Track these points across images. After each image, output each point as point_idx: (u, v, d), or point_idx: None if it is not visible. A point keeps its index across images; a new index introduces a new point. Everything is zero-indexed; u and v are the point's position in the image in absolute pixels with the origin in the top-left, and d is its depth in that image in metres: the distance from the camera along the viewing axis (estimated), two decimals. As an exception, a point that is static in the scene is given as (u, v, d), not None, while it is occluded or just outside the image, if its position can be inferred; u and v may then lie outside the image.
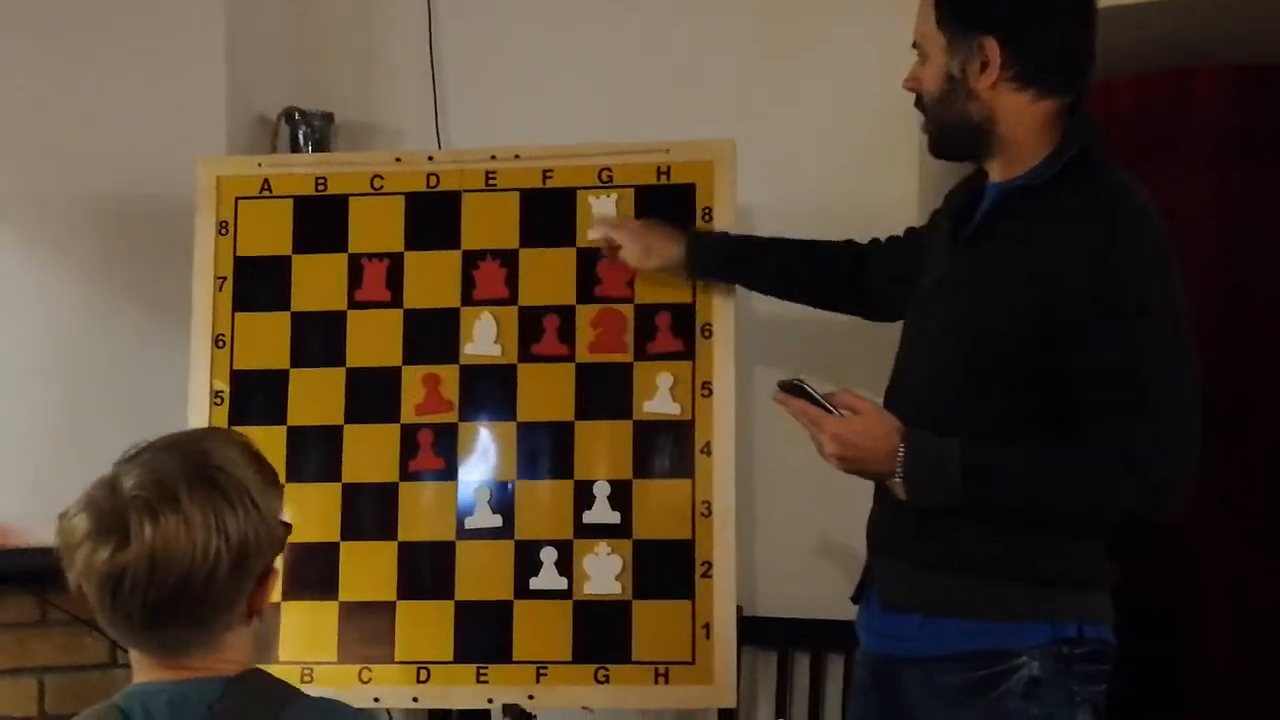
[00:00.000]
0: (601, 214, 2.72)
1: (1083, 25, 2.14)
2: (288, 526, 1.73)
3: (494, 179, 2.79)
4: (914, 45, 2.23)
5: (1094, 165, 2.10)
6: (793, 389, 2.16)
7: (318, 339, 2.78)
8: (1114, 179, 2.09)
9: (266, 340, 2.78)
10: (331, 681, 2.61)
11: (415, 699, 2.67)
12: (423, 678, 2.65)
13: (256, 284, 2.81)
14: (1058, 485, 2.05)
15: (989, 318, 2.08)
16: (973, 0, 2.15)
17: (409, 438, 2.73)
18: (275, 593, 2.68)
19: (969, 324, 2.11)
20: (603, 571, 2.65)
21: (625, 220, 2.70)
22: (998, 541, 2.08)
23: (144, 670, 1.66)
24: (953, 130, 2.18)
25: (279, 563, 1.73)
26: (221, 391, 2.77)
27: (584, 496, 2.68)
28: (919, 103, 2.23)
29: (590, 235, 2.72)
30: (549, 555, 2.66)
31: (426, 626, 2.66)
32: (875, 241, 2.62)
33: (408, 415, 2.74)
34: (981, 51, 2.11)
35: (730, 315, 2.69)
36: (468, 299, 2.76)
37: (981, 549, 2.08)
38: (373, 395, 2.75)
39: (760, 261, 2.65)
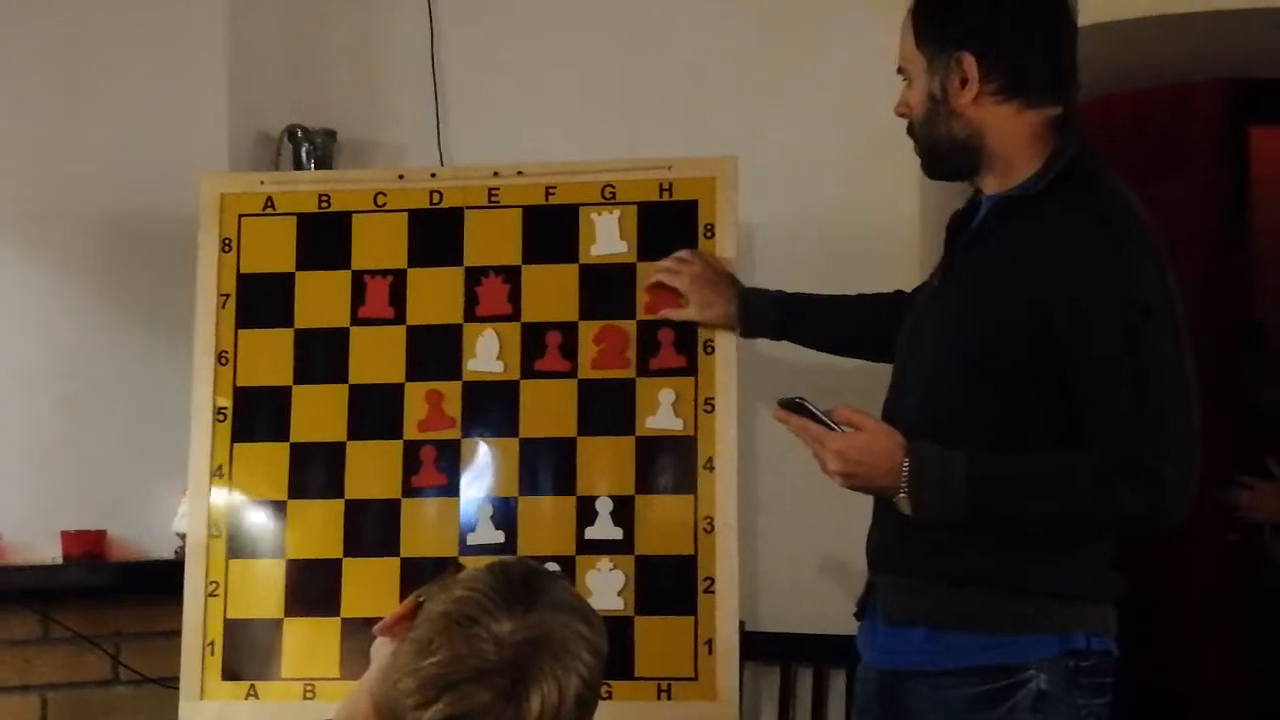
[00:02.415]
0: (662, 266, 2.68)
1: (1060, 34, 2.15)
2: None
3: (496, 195, 2.80)
4: (899, 71, 2.23)
5: (1087, 173, 2.09)
6: (793, 406, 2.15)
7: (320, 355, 2.78)
8: (1107, 185, 2.09)
9: (269, 357, 2.78)
10: (334, 698, 2.60)
11: (418, 715, 2.66)
12: (425, 694, 2.65)
13: (259, 301, 2.81)
14: (1065, 494, 2.04)
15: (987, 324, 2.08)
16: (946, 18, 2.16)
17: (411, 454, 2.73)
18: (277, 609, 2.70)
19: (967, 331, 2.11)
20: (605, 587, 2.64)
21: (685, 267, 2.66)
22: (1003, 553, 2.07)
23: None
24: (941, 150, 2.19)
25: None
26: (224, 408, 2.77)
27: (586, 512, 2.68)
28: (910, 128, 2.23)
29: (653, 279, 2.69)
30: (551, 571, 2.66)
31: (429, 643, 2.66)
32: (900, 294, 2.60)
33: (410, 431, 2.74)
34: (959, 68, 2.12)
35: (733, 331, 2.70)
36: (470, 315, 2.76)
37: (987, 561, 2.07)
38: (375, 411, 2.75)
39: (810, 322, 2.65)
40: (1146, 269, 2.03)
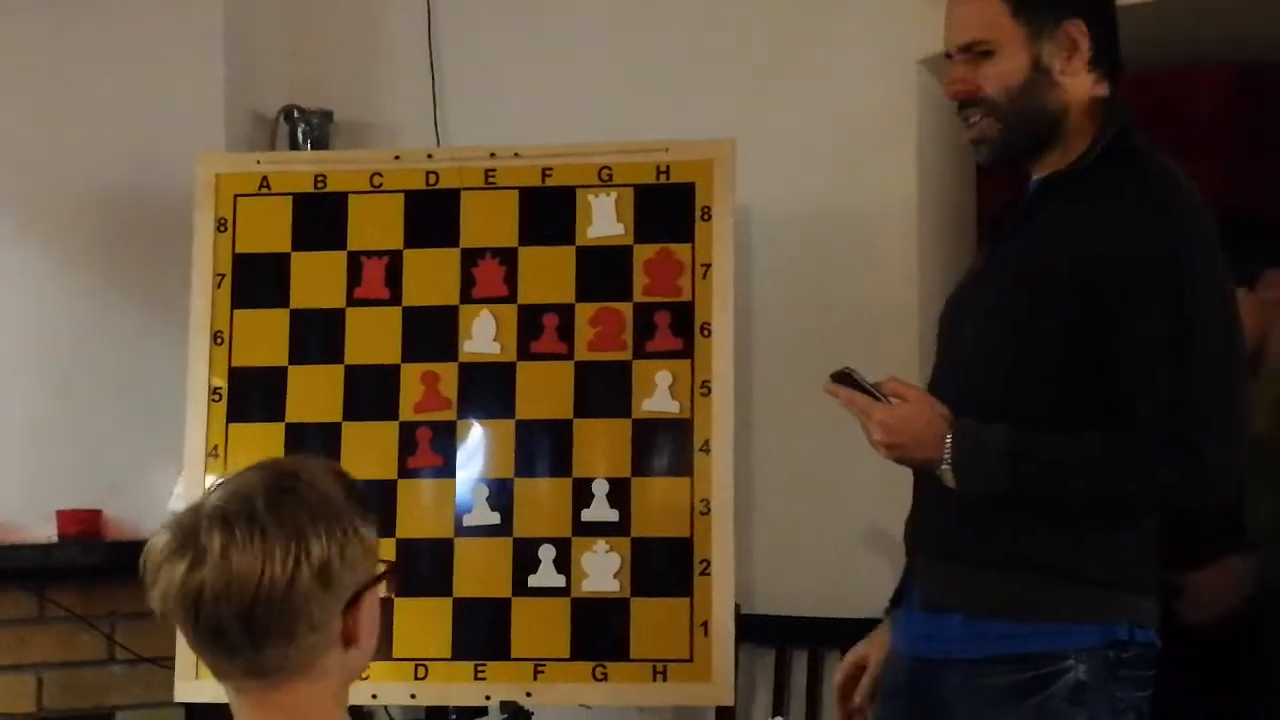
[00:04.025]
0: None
1: (1112, 7, 2.14)
2: (388, 564, 1.65)
3: (493, 177, 2.80)
4: (966, 48, 2.13)
5: (1134, 150, 2.06)
6: (842, 378, 2.13)
7: (317, 336, 2.78)
8: (1155, 163, 2.06)
9: (265, 337, 2.78)
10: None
11: (413, 696, 2.67)
12: (420, 675, 2.66)
13: (255, 281, 2.81)
14: (1109, 468, 1.99)
15: (1030, 308, 2.05)
16: None
17: (408, 435, 2.73)
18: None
19: (1012, 310, 2.08)
20: (601, 569, 2.65)
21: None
22: (1046, 539, 2.03)
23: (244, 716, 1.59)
24: (1034, 123, 2.11)
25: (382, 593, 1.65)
26: (220, 388, 2.77)
27: (582, 494, 2.68)
28: (966, 106, 2.14)
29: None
30: (547, 553, 2.66)
31: (424, 624, 2.66)
32: None
33: (406, 413, 2.74)
34: (1068, 36, 2.08)
35: (729, 314, 2.69)
36: (467, 297, 2.76)
37: (1029, 547, 2.04)
38: (372, 393, 2.75)
39: None
40: (1195, 247, 1.99)
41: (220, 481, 1.61)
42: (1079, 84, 2.09)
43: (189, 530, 1.53)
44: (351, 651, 1.59)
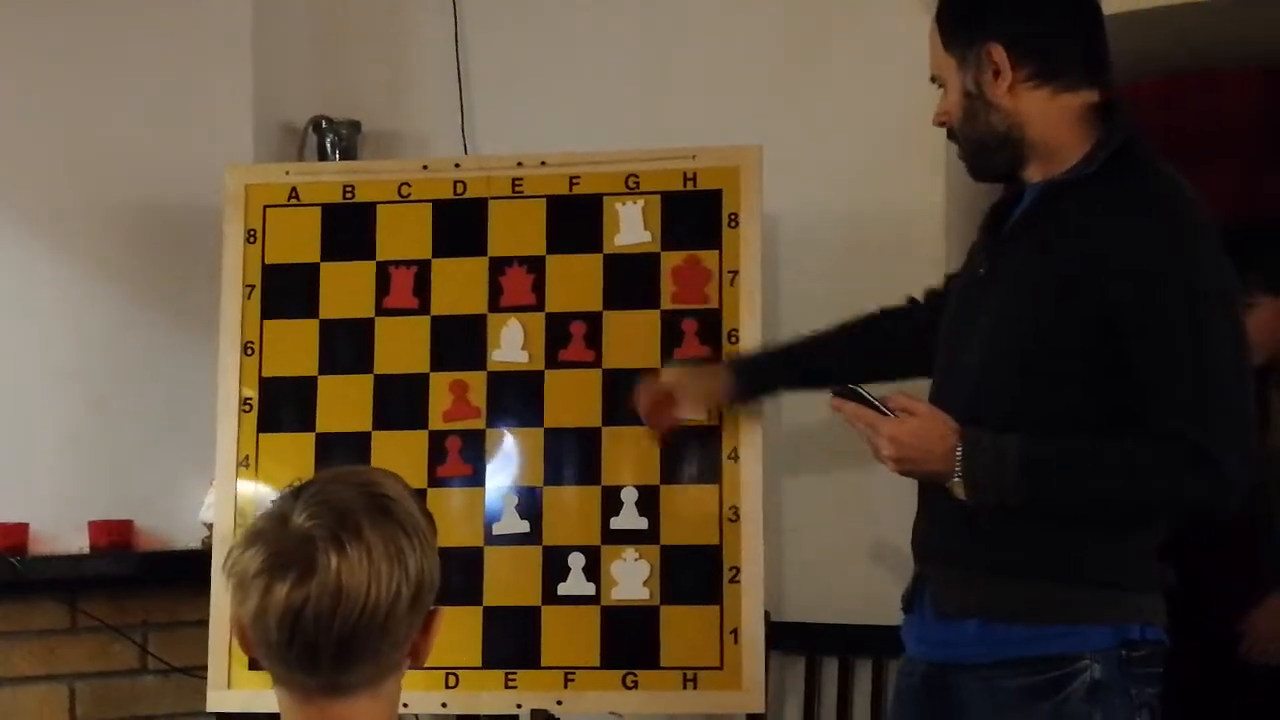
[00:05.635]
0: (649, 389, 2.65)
1: (1084, 16, 2.14)
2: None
3: (521, 186, 2.80)
4: (933, 80, 2.23)
5: (1138, 160, 2.07)
6: (848, 393, 2.14)
7: (346, 346, 2.79)
8: (1160, 173, 2.06)
9: (295, 347, 2.80)
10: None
11: (444, 704, 2.67)
12: (451, 683, 2.66)
13: (285, 291, 2.82)
14: (1122, 479, 2.00)
15: (1042, 311, 2.05)
16: (969, 14, 2.15)
17: (437, 444, 2.74)
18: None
19: (1021, 319, 2.08)
20: (630, 577, 2.65)
21: (670, 383, 2.63)
22: (1058, 542, 2.04)
23: None
24: (988, 145, 2.16)
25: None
26: (250, 399, 2.78)
27: (611, 502, 2.68)
28: (951, 134, 2.22)
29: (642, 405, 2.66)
30: (577, 561, 2.67)
31: (454, 632, 2.65)
32: (913, 300, 2.55)
33: (435, 422, 2.74)
34: (990, 60, 2.11)
35: (757, 318, 2.69)
36: (495, 306, 2.77)
37: (1041, 551, 2.05)
38: (401, 402, 2.76)
39: (807, 364, 2.55)
40: (1206, 256, 2.01)
41: (292, 491, 1.56)
42: (1026, 101, 2.12)
43: (287, 546, 1.49)
44: (408, 663, 1.58)
